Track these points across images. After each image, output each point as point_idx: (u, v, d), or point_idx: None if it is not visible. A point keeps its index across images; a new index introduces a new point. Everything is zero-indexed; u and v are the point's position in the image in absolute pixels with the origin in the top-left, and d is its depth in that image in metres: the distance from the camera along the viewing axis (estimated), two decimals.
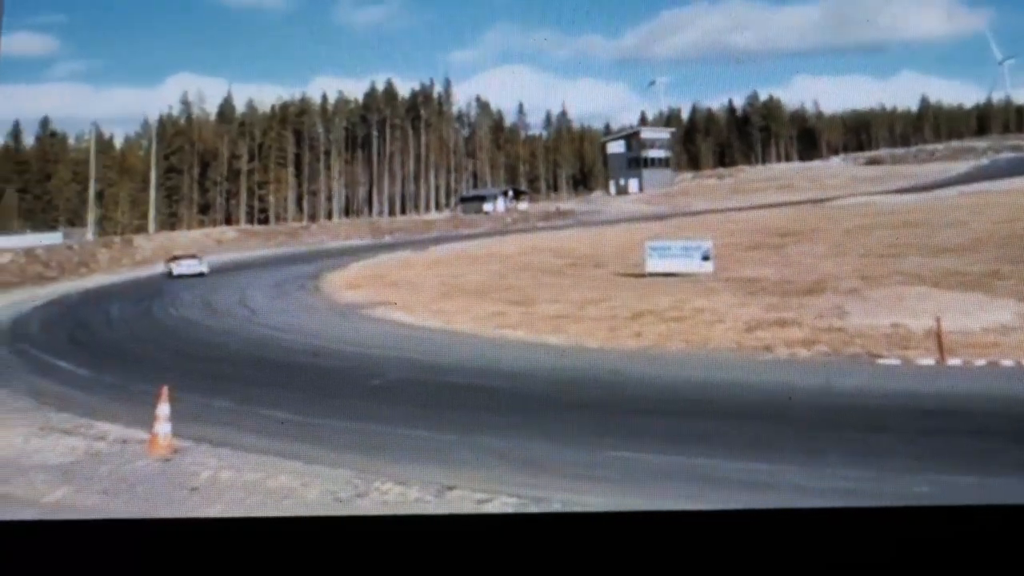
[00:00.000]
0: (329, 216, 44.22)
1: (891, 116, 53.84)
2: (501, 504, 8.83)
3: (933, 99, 52.25)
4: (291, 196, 44.15)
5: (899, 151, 50.92)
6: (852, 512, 5.19)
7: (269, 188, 43.54)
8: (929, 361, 14.10)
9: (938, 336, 14.30)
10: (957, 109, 51.89)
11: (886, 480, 9.02)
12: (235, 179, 43.04)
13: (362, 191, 45.39)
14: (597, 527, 4.70)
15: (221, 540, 4.55)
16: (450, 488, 9.23)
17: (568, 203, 44.74)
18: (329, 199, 44.84)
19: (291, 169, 44.12)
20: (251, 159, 43.33)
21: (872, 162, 49.40)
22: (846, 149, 52.78)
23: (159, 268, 29.53)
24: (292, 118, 44.02)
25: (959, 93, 53.49)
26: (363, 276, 26.51)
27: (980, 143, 48.57)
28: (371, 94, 45.40)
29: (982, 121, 51.32)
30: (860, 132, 54.25)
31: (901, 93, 52.89)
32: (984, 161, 44.92)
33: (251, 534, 4.75)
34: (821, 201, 37.03)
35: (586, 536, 4.51)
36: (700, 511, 4.94)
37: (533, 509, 8.42)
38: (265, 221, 42.48)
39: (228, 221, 41.74)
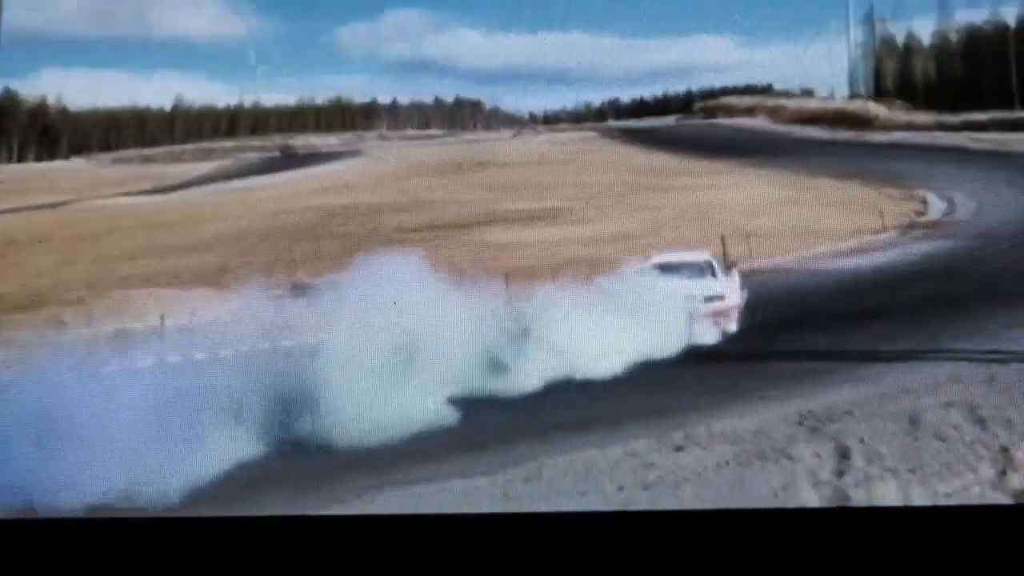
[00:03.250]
0: None
1: (144, 114, 53.77)
2: None
3: (188, 99, 53.86)
4: None
5: (148, 151, 51.20)
6: (852, 512, 5.33)
7: None
8: None
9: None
10: (210, 109, 54.61)
11: None
12: None
13: None
14: (595, 527, 4.64)
15: (217, 539, 4.48)
16: None
17: None
18: None
19: None
20: None
21: (119, 162, 48.69)
22: (90, 149, 50.71)
23: None
24: None
25: (214, 95, 56.27)
26: None
27: (228, 143, 52.13)
28: None
29: (232, 122, 55.07)
30: (110, 131, 52.85)
31: (156, 92, 53.07)
32: (229, 161, 48.23)
33: (249, 533, 4.60)
34: (58, 205, 34.79)
35: (582, 536, 4.46)
36: (700, 511, 5.10)
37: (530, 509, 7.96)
38: None
39: None
